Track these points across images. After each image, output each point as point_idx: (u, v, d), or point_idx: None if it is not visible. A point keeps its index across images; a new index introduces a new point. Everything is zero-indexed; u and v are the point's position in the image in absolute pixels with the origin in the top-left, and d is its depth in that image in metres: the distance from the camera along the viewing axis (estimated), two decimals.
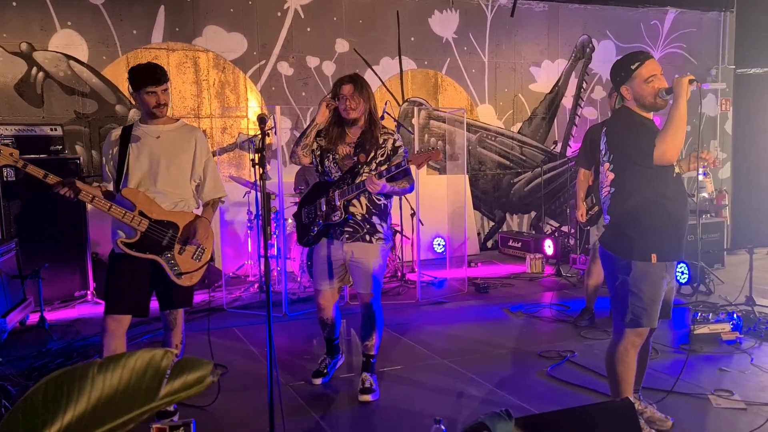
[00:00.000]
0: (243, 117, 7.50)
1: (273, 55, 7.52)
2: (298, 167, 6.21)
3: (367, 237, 3.66)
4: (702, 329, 4.67)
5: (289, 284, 5.91)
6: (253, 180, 6.21)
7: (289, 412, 3.39)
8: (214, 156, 7.25)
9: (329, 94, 3.73)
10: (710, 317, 4.80)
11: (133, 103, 6.86)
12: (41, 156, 5.88)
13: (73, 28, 6.67)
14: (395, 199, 7.02)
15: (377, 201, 3.69)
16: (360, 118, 3.67)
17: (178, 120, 3.39)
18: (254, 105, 7.49)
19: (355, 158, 3.65)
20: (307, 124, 3.79)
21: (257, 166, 2.84)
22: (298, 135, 3.95)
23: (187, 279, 3.30)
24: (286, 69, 7.59)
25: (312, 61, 7.68)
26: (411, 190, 3.78)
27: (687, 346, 4.59)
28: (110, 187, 3.33)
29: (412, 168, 3.62)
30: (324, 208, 3.69)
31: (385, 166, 3.59)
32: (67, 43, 6.65)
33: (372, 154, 3.64)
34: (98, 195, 3.19)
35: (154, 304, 3.37)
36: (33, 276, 5.19)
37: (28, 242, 5.61)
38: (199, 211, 3.45)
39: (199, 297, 6.28)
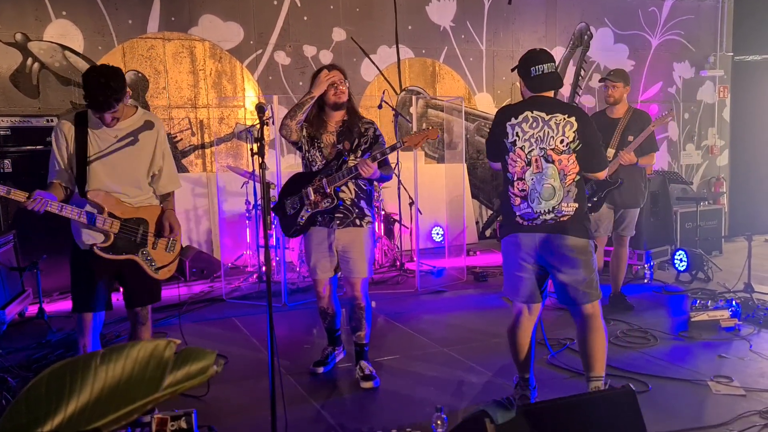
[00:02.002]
0: (240, 107, 7.47)
1: (270, 45, 7.48)
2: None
3: (357, 221, 3.74)
4: (701, 316, 4.68)
5: (288, 274, 5.91)
6: (250, 170, 6.19)
7: (289, 401, 3.39)
8: (211, 146, 7.27)
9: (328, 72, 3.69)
10: (709, 304, 4.81)
11: (130, 92, 6.82)
12: (37, 147, 5.86)
13: (68, 18, 6.62)
14: (393, 188, 7.01)
15: (363, 186, 3.78)
16: (344, 105, 3.75)
17: (136, 110, 3.21)
18: (251, 95, 7.45)
19: (340, 146, 3.72)
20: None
21: (256, 156, 2.82)
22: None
23: (166, 272, 3.27)
24: (282, 58, 7.55)
25: (309, 50, 7.64)
26: (391, 176, 3.92)
27: (686, 333, 4.61)
28: (65, 183, 3.14)
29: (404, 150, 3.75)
30: (312, 196, 3.70)
31: (380, 151, 3.65)
32: (62, 33, 6.60)
33: (356, 141, 3.73)
34: (65, 203, 3.04)
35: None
36: (31, 268, 5.18)
37: (26, 234, 5.60)
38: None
39: (197, 287, 6.30)
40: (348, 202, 3.72)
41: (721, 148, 10.18)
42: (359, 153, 3.70)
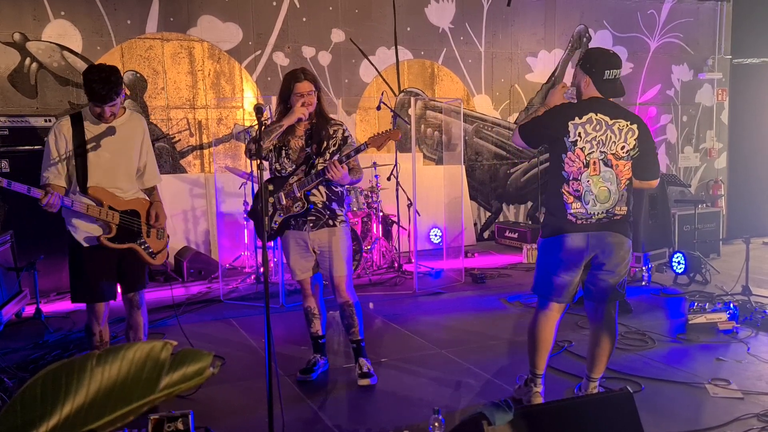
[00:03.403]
0: (239, 107, 7.46)
1: (268, 46, 7.48)
2: None
3: (330, 222, 3.77)
4: (698, 319, 4.68)
5: (285, 275, 5.90)
6: (249, 171, 6.19)
7: (287, 402, 3.39)
8: (210, 147, 7.26)
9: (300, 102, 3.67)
10: (707, 307, 4.81)
11: (128, 93, 6.82)
12: (35, 147, 5.85)
13: (67, 18, 6.61)
14: (391, 189, 7.01)
15: (335, 189, 3.80)
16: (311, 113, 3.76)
17: (125, 110, 3.47)
18: (250, 95, 7.45)
19: (308, 150, 3.73)
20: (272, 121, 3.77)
21: (254, 157, 2.84)
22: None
23: (161, 257, 3.58)
24: (281, 59, 7.54)
25: (308, 51, 7.64)
26: (361, 179, 3.92)
27: (683, 335, 4.61)
28: (60, 182, 3.34)
29: (373, 150, 3.76)
30: (283, 201, 3.74)
31: (345, 153, 3.66)
32: (60, 33, 6.59)
33: (324, 144, 3.73)
34: (74, 198, 3.32)
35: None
36: (28, 268, 5.16)
37: (23, 234, 5.59)
38: None
39: (195, 288, 6.29)
40: (319, 206, 3.74)
41: (720, 151, 10.20)
42: (327, 155, 3.70)
